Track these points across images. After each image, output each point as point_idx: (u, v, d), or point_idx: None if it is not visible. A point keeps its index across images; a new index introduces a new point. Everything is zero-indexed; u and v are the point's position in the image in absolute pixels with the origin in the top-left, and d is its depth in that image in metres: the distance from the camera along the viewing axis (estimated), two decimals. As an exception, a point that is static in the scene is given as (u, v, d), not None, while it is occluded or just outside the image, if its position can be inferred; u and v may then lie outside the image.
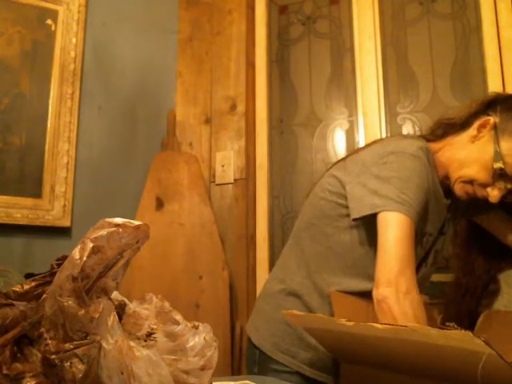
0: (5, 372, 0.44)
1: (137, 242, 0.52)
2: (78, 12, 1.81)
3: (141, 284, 1.68)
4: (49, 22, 1.76)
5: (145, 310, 0.58)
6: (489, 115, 0.99)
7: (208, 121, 1.98)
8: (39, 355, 0.45)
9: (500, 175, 0.95)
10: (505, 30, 1.59)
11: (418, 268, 1.10)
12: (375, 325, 0.61)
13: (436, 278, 1.59)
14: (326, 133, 1.85)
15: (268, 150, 1.92)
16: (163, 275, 1.74)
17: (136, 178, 1.87)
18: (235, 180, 1.88)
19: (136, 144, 1.93)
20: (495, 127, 0.97)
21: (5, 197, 1.61)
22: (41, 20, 1.75)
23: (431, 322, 1.04)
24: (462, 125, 1.03)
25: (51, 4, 1.77)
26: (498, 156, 0.94)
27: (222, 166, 1.90)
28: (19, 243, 1.63)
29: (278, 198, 1.88)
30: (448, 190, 1.08)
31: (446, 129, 1.07)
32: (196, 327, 0.58)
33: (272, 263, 1.84)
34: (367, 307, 0.98)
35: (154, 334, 0.56)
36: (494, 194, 0.97)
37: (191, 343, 0.57)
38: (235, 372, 1.70)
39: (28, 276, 0.52)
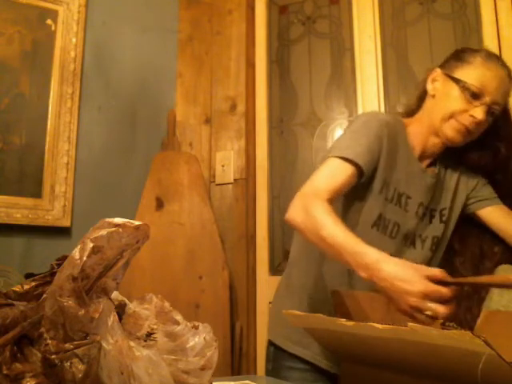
0: (5, 372, 0.44)
1: (137, 242, 0.51)
2: (78, 12, 1.81)
3: (141, 284, 1.68)
4: (49, 21, 1.76)
5: (145, 310, 0.58)
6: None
7: (208, 121, 1.98)
8: (39, 355, 0.44)
9: (473, 96, 1.05)
10: (505, 30, 1.59)
11: (409, 241, 1.13)
12: (375, 325, 0.61)
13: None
14: (325, 133, 1.85)
15: (268, 149, 1.92)
16: (163, 275, 1.74)
17: (136, 178, 1.87)
18: (235, 180, 1.88)
19: (136, 144, 1.93)
20: (444, 73, 1.11)
21: (5, 197, 1.61)
22: (41, 20, 1.75)
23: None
24: (420, 98, 1.17)
25: (51, 4, 1.77)
26: (460, 82, 1.06)
27: (222, 166, 1.90)
28: (19, 243, 1.63)
29: (278, 198, 1.88)
30: (434, 161, 1.17)
31: (412, 108, 1.20)
32: (196, 327, 0.58)
33: (272, 263, 1.84)
34: (370, 306, 0.98)
35: (154, 333, 0.56)
36: (477, 112, 1.04)
37: (191, 343, 0.57)
38: (235, 372, 1.70)
39: (28, 276, 0.52)
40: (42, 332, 0.44)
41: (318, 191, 0.95)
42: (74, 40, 1.79)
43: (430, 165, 1.17)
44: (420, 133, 1.13)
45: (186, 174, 1.87)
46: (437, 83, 1.11)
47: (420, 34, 1.74)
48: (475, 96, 1.04)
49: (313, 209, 0.92)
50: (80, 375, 0.43)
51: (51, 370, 0.43)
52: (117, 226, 0.49)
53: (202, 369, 0.55)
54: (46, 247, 1.66)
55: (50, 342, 0.44)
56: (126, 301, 0.59)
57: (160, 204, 1.82)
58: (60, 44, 1.77)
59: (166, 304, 0.60)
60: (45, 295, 0.46)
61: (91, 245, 0.47)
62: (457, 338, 0.54)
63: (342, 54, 1.86)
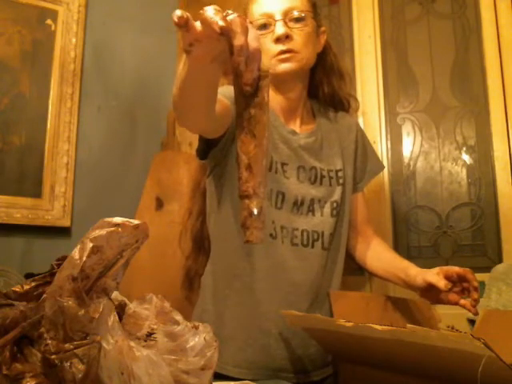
0: (5, 372, 0.44)
1: (136, 242, 0.52)
2: (78, 12, 1.81)
3: (141, 284, 1.67)
4: (49, 21, 1.76)
5: (145, 310, 0.58)
6: None
7: (208, 121, 1.97)
8: (39, 355, 0.45)
9: (264, 27, 1.05)
10: (505, 30, 1.59)
11: (303, 209, 1.06)
12: (374, 326, 0.61)
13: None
14: (325, 133, 1.85)
15: (268, 150, 1.91)
16: (163, 275, 1.74)
17: (136, 178, 1.87)
18: (235, 180, 1.87)
19: (136, 144, 1.93)
20: None
21: (5, 197, 1.61)
22: (41, 20, 1.75)
23: (431, 322, 1.04)
24: None
25: (51, 4, 1.77)
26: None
27: (222, 165, 1.90)
28: (19, 243, 1.63)
29: (277, 198, 1.87)
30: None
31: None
32: (196, 327, 0.58)
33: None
34: (367, 306, 0.98)
35: (154, 333, 0.56)
36: (276, 32, 1.03)
37: (191, 343, 0.57)
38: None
39: (28, 276, 0.52)
40: (42, 332, 0.44)
41: None
42: (73, 40, 1.79)
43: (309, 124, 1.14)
44: (272, 96, 1.07)
45: (185, 174, 1.86)
46: None
47: (420, 34, 1.74)
48: (265, 25, 1.05)
49: None
50: (80, 375, 0.43)
51: (51, 370, 0.43)
52: (116, 225, 0.49)
53: (202, 369, 0.55)
54: (46, 247, 1.66)
55: (50, 342, 0.44)
56: (126, 301, 0.59)
57: (160, 204, 1.82)
58: (60, 44, 1.76)
59: (166, 304, 0.60)
60: (45, 295, 0.46)
61: (91, 245, 0.47)
62: (456, 340, 0.54)
63: (342, 54, 1.86)
